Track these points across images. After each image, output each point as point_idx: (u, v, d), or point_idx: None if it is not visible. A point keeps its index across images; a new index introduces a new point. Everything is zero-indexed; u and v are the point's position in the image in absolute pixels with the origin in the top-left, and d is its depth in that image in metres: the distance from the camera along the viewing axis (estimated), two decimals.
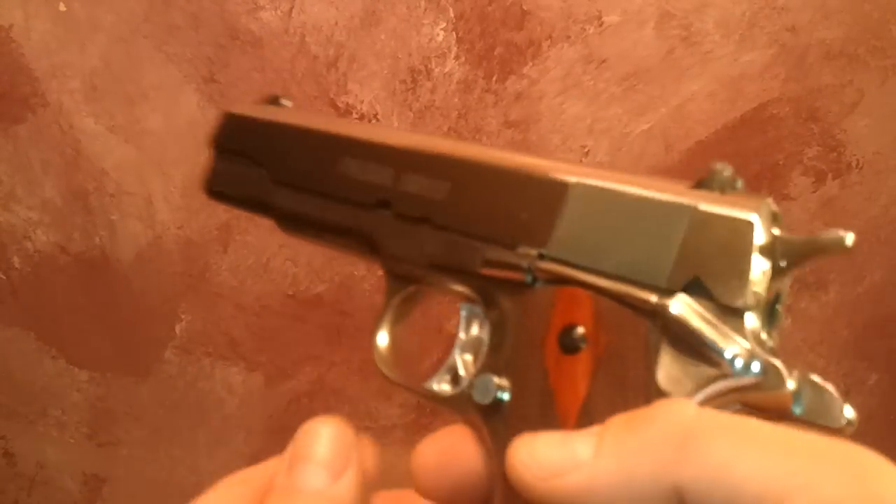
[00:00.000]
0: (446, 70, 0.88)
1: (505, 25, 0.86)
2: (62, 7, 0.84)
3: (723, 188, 0.30)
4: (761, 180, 0.94)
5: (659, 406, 0.24)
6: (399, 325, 0.38)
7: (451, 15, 0.86)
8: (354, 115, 0.89)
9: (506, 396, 0.31)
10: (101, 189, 0.91)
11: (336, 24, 0.86)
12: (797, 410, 0.26)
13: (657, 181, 0.31)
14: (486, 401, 0.31)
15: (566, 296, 0.30)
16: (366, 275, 0.95)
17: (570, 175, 0.32)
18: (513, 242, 0.32)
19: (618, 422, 0.25)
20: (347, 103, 0.88)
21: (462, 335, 0.36)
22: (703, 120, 0.91)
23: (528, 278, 0.32)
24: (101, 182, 0.91)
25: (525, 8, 0.86)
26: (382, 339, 0.37)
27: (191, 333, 0.97)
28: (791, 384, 0.26)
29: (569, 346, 0.29)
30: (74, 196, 0.91)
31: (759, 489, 0.21)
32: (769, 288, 0.28)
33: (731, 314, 0.28)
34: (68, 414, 1.01)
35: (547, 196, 0.32)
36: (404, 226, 0.36)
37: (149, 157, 0.90)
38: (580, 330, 0.29)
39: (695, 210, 0.29)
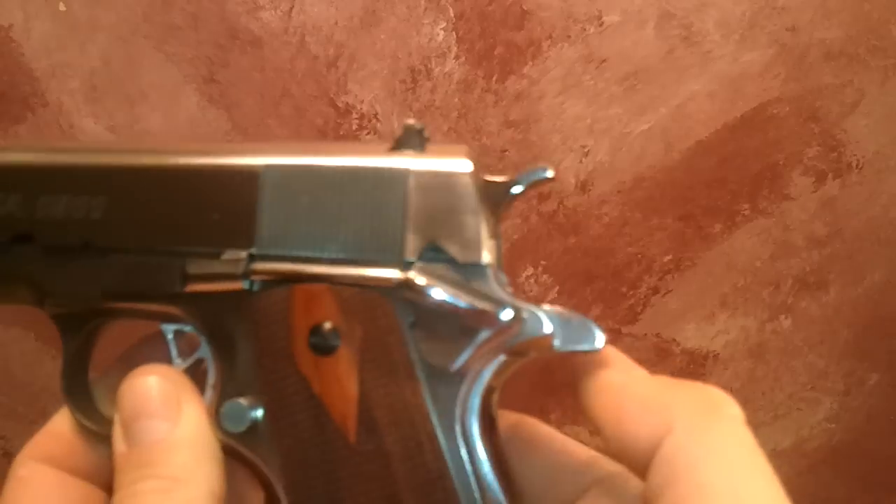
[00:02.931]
0: (446, 70, 0.88)
1: (505, 25, 0.86)
2: (62, 7, 0.84)
3: (420, 144, 0.28)
4: (761, 180, 0.94)
5: None
6: (91, 369, 0.32)
7: (451, 15, 0.86)
8: (354, 116, 0.89)
9: (259, 414, 0.28)
10: None
11: (336, 24, 0.86)
12: (557, 344, 0.26)
13: (354, 147, 0.29)
14: (242, 428, 0.28)
15: (302, 295, 0.27)
16: None
17: (257, 159, 0.28)
18: (215, 249, 0.28)
19: None
20: (347, 103, 0.88)
21: (178, 360, 0.32)
22: (703, 120, 0.91)
23: (247, 284, 0.28)
24: None
25: (525, 8, 0.86)
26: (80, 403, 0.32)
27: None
28: (549, 324, 0.26)
29: (322, 347, 0.27)
30: None
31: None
32: (497, 234, 0.28)
33: (474, 270, 0.27)
34: None
35: (236, 188, 0.28)
36: (61, 259, 0.30)
37: None
38: (329, 327, 0.27)
39: (409, 173, 0.28)
